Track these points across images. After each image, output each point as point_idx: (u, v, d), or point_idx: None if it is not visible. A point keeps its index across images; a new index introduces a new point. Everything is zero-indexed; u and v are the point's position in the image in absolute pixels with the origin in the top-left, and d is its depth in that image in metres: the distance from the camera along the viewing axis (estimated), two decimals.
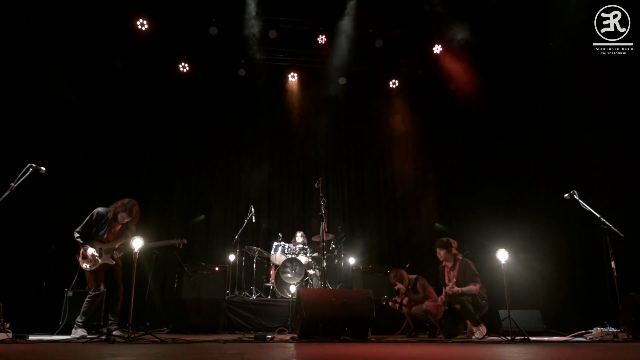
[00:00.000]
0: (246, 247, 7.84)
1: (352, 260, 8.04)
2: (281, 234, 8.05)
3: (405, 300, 5.85)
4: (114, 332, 4.80)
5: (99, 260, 5.18)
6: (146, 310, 7.25)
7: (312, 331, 4.66)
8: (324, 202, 5.82)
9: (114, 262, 5.28)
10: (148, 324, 6.67)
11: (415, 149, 9.82)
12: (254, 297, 7.24)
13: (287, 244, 7.83)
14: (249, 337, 5.00)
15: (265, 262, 8.01)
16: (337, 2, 8.45)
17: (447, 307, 5.47)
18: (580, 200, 5.56)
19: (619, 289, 5.13)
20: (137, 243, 4.61)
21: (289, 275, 7.41)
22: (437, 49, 9.07)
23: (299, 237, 8.06)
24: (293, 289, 6.80)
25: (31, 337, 4.70)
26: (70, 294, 6.25)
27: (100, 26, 8.15)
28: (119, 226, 5.34)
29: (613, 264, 5.20)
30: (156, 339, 4.36)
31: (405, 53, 9.57)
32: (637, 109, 6.91)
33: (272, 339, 4.99)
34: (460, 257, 5.69)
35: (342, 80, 9.61)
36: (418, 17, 8.68)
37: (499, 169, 8.92)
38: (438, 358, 3.10)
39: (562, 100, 8.09)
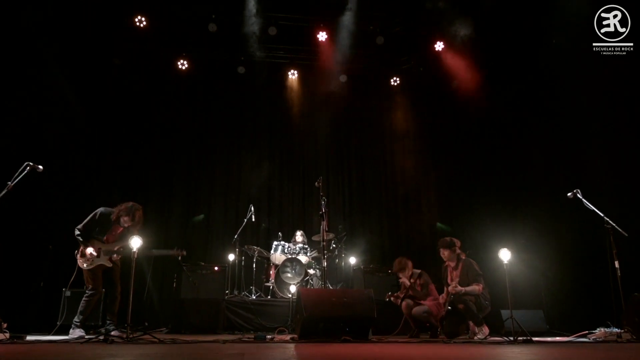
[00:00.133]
0: (246, 246, 7.84)
1: (352, 260, 8.05)
2: (281, 233, 8.05)
3: (404, 305, 5.84)
4: (112, 332, 4.80)
5: (97, 261, 5.19)
6: (145, 310, 7.26)
7: (313, 331, 4.66)
8: (324, 201, 5.82)
9: (111, 265, 5.28)
10: (147, 324, 6.68)
11: (417, 148, 9.82)
12: (254, 297, 7.24)
13: (287, 244, 7.83)
14: (248, 338, 5.01)
15: (265, 261, 8.02)
16: None
17: (449, 307, 5.47)
18: (583, 200, 5.55)
19: (622, 289, 5.13)
20: (136, 242, 4.61)
21: (289, 275, 7.42)
22: (439, 46, 9.05)
23: (299, 236, 8.06)
24: (293, 288, 6.80)
25: (29, 337, 4.70)
26: (68, 293, 6.25)
27: (98, 23, 8.14)
28: (120, 229, 5.34)
29: (617, 264, 5.20)
30: (155, 340, 4.36)
31: (406, 50, 9.55)
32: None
33: (272, 339, 4.99)
34: (464, 257, 5.70)
35: (342, 78, 9.60)
36: (419, 13, 8.66)
37: (502, 168, 8.92)
38: (440, 358, 3.11)
39: (565, 98, 8.08)
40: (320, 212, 5.75)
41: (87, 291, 5.21)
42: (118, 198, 7.68)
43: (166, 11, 8.45)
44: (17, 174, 4.67)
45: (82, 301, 5.19)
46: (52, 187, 7.45)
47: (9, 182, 4.59)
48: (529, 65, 8.56)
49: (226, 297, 6.87)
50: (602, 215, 5.40)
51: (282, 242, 7.82)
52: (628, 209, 6.27)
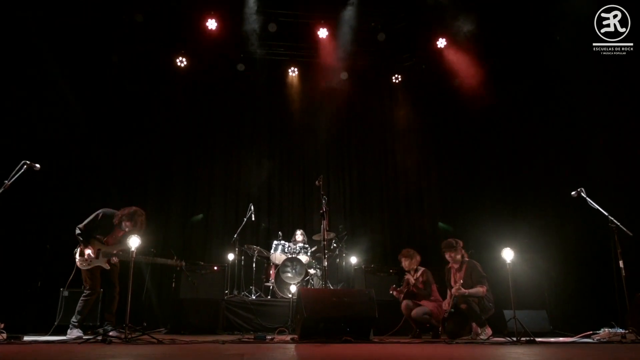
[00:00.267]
0: (245, 246, 7.84)
1: (353, 259, 8.05)
2: (281, 232, 8.05)
3: (403, 305, 5.85)
4: (111, 333, 4.81)
5: (95, 262, 5.19)
6: (143, 311, 7.26)
7: (313, 332, 4.66)
8: (325, 200, 5.81)
9: (109, 267, 5.28)
10: (145, 324, 6.68)
11: (419, 146, 9.80)
12: (254, 297, 7.25)
13: (287, 243, 7.83)
14: (248, 338, 5.01)
15: (265, 261, 8.02)
16: None
17: (452, 309, 5.47)
18: (587, 198, 5.55)
19: (627, 289, 5.13)
20: (134, 242, 4.61)
21: (289, 274, 7.42)
22: (441, 42, 9.03)
23: (299, 235, 8.06)
24: (293, 288, 6.80)
25: (26, 338, 4.71)
26: (65, 293, 6.26)
27: (95, 20, 8.13)
28: (122, 232, 5.34)
29: (621, 264, 5.20)
30: (153, 340, 4.36)
31: (408, 47, 9.52)
32: None
33: (272, 339, 5.00)
34: (467, 259, 5.70)
35: (343, 75, 9.59)
36: (421, 9, 8.64)
37: (504, 166, 8.92)
38: (442, 359, 3.11)
39: (570, 96, 8.08)
40: (321, 211, 5.75)
41: (84, 291, 5.22)
42: (116, 197, 7.75)
43: (164, 7, 8.43)
44: (14, 173, 4.68)
45: (79, 301, 5.20)
46: (49, 186, 7.46)
47: (6, 181, 4.60)
48: (533, 62, 8.56)
49: (226, 297, 6.88)
50: (606, 214, 5.40)
51: (282, 242, 7.82)
52: (633, 208, 6.27)
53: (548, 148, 8.39)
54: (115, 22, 8.34)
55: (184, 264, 5.86)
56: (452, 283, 5.67)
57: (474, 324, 5.46)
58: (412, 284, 5.83)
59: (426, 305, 5.71)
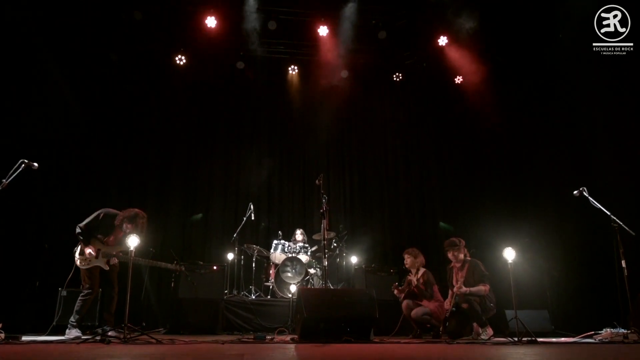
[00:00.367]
0: (245, 245, 7.84)
1: (354, 259, 8.06)
2: (281, 232, 8.05)
3: (404, 305, 5.86)
4: (109, 333, 4.81)
5: (94, 262, 5.19)
6: (142, 310, 7.27)
7: (313, 332, 4.66)
8: (325, 199, 5.81)
9: (108, 268, 5.28)
10: (144, 324, 6.69)
11: (420, 145, 9.80)
12: (253, 297, 7.25)
13: (287, 242, 7.83)
14: (248, 338, 5.01)
15: (265, 260, 8.02)
16: None
17: (454, 308, 5.47)
18: (590, 198, 5.54)
19: (629, 289, 5.13)
20: (133, 241, 4.62)
21: (289, 274, 7.42)
22: (443, 40, 9.02)
23: (299, 234, 8.06)
24: (293, 288, 6.81)
25: (24, 338, 4.71)
26: (64, 293, 6.26)
27: (94, 18, 8.13)
28: (122, 233, 5.33)
29: (623, 263, 5.20)
30: (152, 340, 4.37)
31: (409, 45, 9.51)
32: None
33: (272, 339, 5.00)
34: (470, 258, 5.70)
35: (344, 73, 9.58)
36: (422, 7, 8.63)
37: (506, 165, 8.92)
38: (443, 359, 3.11)
39: (572, 95, 8.08)
40: (321, 211, 5.74)
41: (83, 290, 5.21)
42: (115, 196, 7.76)
43: (163, 5, 8.42)
44: (11, 172, 4.67)
45: (78, 300, 5.20)
46: (47, 185, 7.46)
47: (4, 180, 4.59)
48: (534, 61, 8.55)
49: (225, 297, 6.88)
50: (608, 213, 5.39)
51: (282, 241, 7.82)
52: (635, 207, 6.27)
53: (549, 147, 8.39)
54: (114, 20, 8.33)
55: (183, 269, 5.86)
56: (454, 282, 5.67)
57: (475, 324, 5.46)
58: (414, 284, 5.84)
59: (427, 306, 5.71)
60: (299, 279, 7.40)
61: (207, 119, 9.37)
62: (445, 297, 5.84)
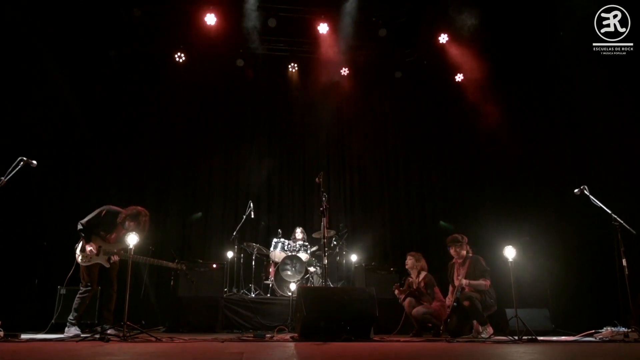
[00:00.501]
0: (245, 243, 7.85)
1: (354, 257, 8.06)
2: (281, 230, 8.05)
3: (406, 302, 5.87)
4: (109, 331, 4.81)
5: (95, 259, 5.19)
6: (142, 309, 7.28)
7: (313, 330, 4.67)
8: (325, 198, 5.81)
9: (109, 266, 5.28)
10: (144, 322, 6.69)
11: (420, 143, 9.80)
12: (253, 295, 7.26)
13: (287, 241, 7.84)
14: (247, 337, 5.02)
15: (265, 259, 8.03)
16: None
17: (455, 304, 5.48)
18: (590, 196, 5.55)
19: (630, 288, 5.14)
20: (132, 239, 4.62)
21: (289, 272, 7.43)
22: (443, 38, 9.01)
23: (299, 233, 8.06)
24: (293, 286, 6.81)
25: (23, 336, 4.71)
26: (63, 291, 6.26)
27: (93, 15, 8.12)
28: (124, 231, 5.32)
29: (624, 262, 5.21)
30: (152, 338, 4.38)
31: (410, 43, 9.50)
32: None
33: (271, 338, 5.00)
34: (471, 253, 5.72)
35: (344, 71, 9.57)
36: (423, 4, 8.62)
37: (507, 164, 8.92)
38: (444, 357, 3.11)
39: (573, 94, 8.08)
40: (321, 209, 5.75)
41: (81, 288, 5.21)
42: (115, 194, 7.76)
43: (162, 2, 8.40)
44: (10, 169, 4.67)
45: (76, 298, 5.20)
46: (46, 182, 7.46)
47: (2, 178, 4.59)
48: (536, 59, 8.55)
49: (225, 295, 6.88)
50: (609, 212, 5.40)
51: (282, 239, 7.82)
52: (636, 206, 6.27)
53: (550, 145, 8.40)
54: (113, 17, 8.31)
55: (184, 267, 5.86)
56: (455, 278, 5.68)
57: (475, 322, 5.47)
58: (415, 287, 5.86)
59: (429, 305, 5.73)
60: (299, 277, 7.40)
61: (207, 117, 9.35)
62: (445, 294, 5.86)
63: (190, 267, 6.78)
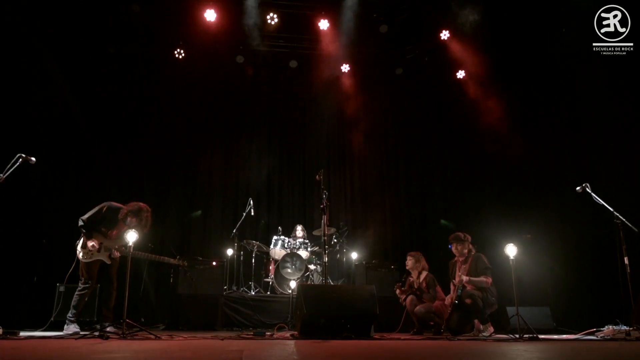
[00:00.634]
0: (245, 241, 7.85)
1: (354, 255, 8.06)
2: (281, 227, 8.05)
3: (408, 300, 5.87)
4: (108, 328, 4.81)
5: (96, 255, 5.19)
6: (141, 306, 7.29)
7: (313, 328, 4.67)
8: (325, 195, 5.81)
9: (110, 262, 5.28)
10: (143, 320, 6.71)
11: (421, 140, 9.79)
12: (253, 293, 7.26)
13: (287, 238, 7.83)
14: (247, 334, 5.02)
15: (265, 256, 8.03)
16: None
17: (456, 302, 5.48)
18: (592, 194, 5.54)
19: (632, 286, 5.14)
20: (131, 236, 4.61)
21: (289, 270, 7.43)
22: (445, 34, 8.98)
23: (299, 230, 8.06)
24: (293, 284, 6.81)
25: (22, 333, 4.71)
26: (62, 289, 6.26)
27: (92, 11, 8.09)
28: (125, 227, 5.31)
29: (626, 260, 5.20)
30: (151, 336, 4.38)
31: (411, 39, 9.47)
32: None
33: (271, 336, 5.00)
34: (474, 252, 5.72)
35: (344, 68, 9.55)
36: (425, 0, 8.59)
37: (508, 162, 8.90)
38: (444, 356, 3.11)
39: (575, 91, 8.07)
40: (321, 206, 5.74)
41: (79, 285, 5.20)
42: (114, 191, 7.75)
43: None
44: (9, 166, 4.65)
45: (74, 295, 5.18)
46: (45, 179, 7.45)
47: (1, 174, 4.58)
48: (538, 56, 8.53)
49: (224, 293, 6.89)
50: (611, 209, 5.39)
51: (282, 237, 7.82)
52: (638, 204, 6.26)
53: (552, 143, 8.38)
54: (112, 13, 8.29)
55: (186, 264, 5.86)
56: (456, 275, 5.68)
57: (476, 321, 5.48)
58: (417, 286, 5.86)
59: (431, 304, 5.73)
60: (299, 275, 7.41)
61: (207, 114, 9.34)
62: (447, 292, 5.86)
63: (190, 265, 6.78)
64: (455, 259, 5.84)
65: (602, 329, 5.34)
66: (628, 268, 5.17)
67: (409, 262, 6.06)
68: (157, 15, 8.55)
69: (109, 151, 8.41)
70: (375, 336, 4.97)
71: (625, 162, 7.13)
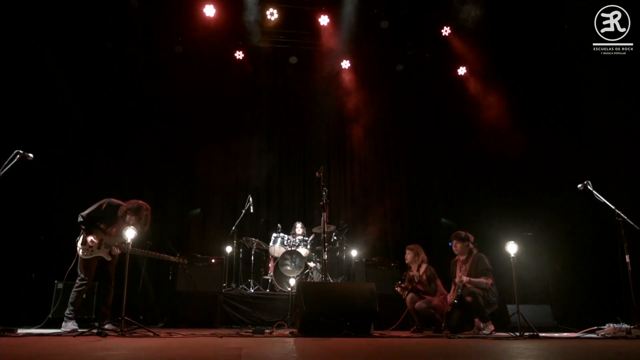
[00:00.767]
0: (244, 238, 7.85)
1: (354, 253, 8.07)
2: (280, 225, 8.05)
3: (408, 298, 5.88)
4: (106, 326, 4.82)
5: (96, 252, 5.18)
6: (140, 304, 7.28)
7: (313, 326, 4.68)
8: (325, 192, 5.81)
9: (110, 259, 5.28)
10: (142, 317, 6.71)
11: (422, 137, 9.77)
12: (252, 291, 7.27)
13: (286, 236, 7.84)
14: (246, 332, 5.02)
15: (264, 254, 8.03)
16: None
17: (456, 301, 5.48)
18: (594, 191, 5.53)
19: (633, 284, 5.14)
20: (130, 233, 4.61)
21: (288, 267, 7.44)
22: (446, 31, 8.96)
23: (299, 227, 8.06)
24: (293, 282, 6.82)
25: (20, 331, 4.72)
26: (60, 286, 6.26)
27: (90, 6, 8.07)
28: (125, 225, 5.31)
29: (627, 258, 5.21)
30: (150, 333, 4.38)
31: (412, 35, 9.45)
32: None
33: (270, 333, 5.01)
34: (475, 252, 5.72)
35: (345, 64, 9.53)
36: None
37: (510, 159, 8.89)
38: (444, 353, 3.11)
39: (577, 88, 8.06)
40: (321, 203, 5.74)
41: (77, 281, 5.20)
42: (112, 187, 7.74)
43: None
44: (6, 162, 4.65)
45: (72, 292, 5.19)
46: (43, 176, 7.44)
47: None
48: (540, 52, 8.51)
49: (223, 291, 6.89)
50: (613, 207, 5.39)
51: (282, 234, 7.82)
52: None
53: (554, 140, 8.37)
54: (110, 8, 8.26)
55: (186, 262, 5.86)
56: (457, 274, 5.68)
57: (476, 319, 5.48)
58: (417, 280, 5.86)
59: (431, 299, 5.73)
60: (299, 272, 7.41)
61: (206, 110, 9.31)
62: (447, 289, 5.86)
63: (189, 262, 6.78)
64: (456, 257, 5.84)
65: (603, 327, 5.35)
66: (629, 266, 5.18)
67: (408, 255, 6.06)
68: (156, 11, 8.53)
69: (108, 148, 8.40)
70: (375, 334, 4.98)
71: (626, 160, 7.12)
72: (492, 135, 8.99)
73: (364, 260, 7.56)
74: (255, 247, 7.84)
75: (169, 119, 9.04)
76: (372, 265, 7.41)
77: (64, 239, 5.42)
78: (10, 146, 4.84)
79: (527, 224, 7.84)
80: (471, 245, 5.74)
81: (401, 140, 9.84)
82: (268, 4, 8.50)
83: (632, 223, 5.26)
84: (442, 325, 5.67)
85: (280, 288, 7.32)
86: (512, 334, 4.80)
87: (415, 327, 5.84)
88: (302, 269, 7.46)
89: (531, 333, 4.75)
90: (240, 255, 7.81)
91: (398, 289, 5.98)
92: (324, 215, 5.74)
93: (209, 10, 8.36)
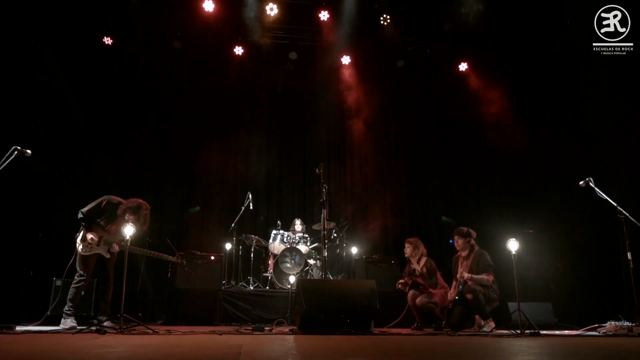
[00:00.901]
0: (243, 235, 7.85)
1: (354, 250, 8.07)
2: (280, 222, 8.05)
3: (410, 295, 5.88)
4: (105, 323, 4.82)
5: (95, 249, 5.18)
6: (139, 301, 7.30)
7: (312, 323, 4.68)
8: (325, 189, 5.80)
9: (109, 256, 5.28)
10: (141, 314, 6.72)
11: (422, 134, 9.76)
12: (252, 288, 7.27)
13: (286, 233, 7.84)
14: (246, 329, 5.03)
15: (264, 251, 8.04)
16: None
17: (457, 297, 5.48)
18: (596, 188, 5.53)
19: (634, 282, 5.14)
20: (129, 230, 4.61)
21: (288, 265, 7.44)
22: (447, 27, 8.92)
23: (298, 224, 8.06)
24: (292, 279, 6.82)
25: (18, 328, 4.72)
26: (58, 283, 6.27)
27: (89, 3, 8.04)
28: (124, 222, 5.30)
29: (629, 255, 5.21)
30: (149, 331, 4.38)
31: (413, 30, 9.41)
32: None
33: (270, 331, 5.02)
34: (477, 248, 5.72)
35: (345, 60, 9.51)
36: None
37: (511, 156, 8.89)
38: (445, 351, 3.11)
39: (579, 86, 8.05)
40: (321, 200, 5.74)
41: (75, 277, 5.21)
42: (111, 185, 7.72)
43: None
44: (4, 159, 4.64)
45: (70, 289, 5.19)
46: (42, 173, 7.43)
47: None
48: (542, 48, 8.50)
49: (223, 288, 6.89)
50: (614, 204, 5.38)
51: (281, 231, 7.82)
52: None
53: (555, 137, 8.37)
54: (108, 3, 8.23)
55: (185, 262, 5.85)
56: (459, 270, 5.69)
57: (477, 317, 5.49)
58: (418, 273, 5.85)
59: (432, 295, 5.73)
60: (298, 269, 7.41)
61: (205, 106, 9.30)
62: (448, 283, 5.87)
63: (188, 259, 6.78)
64: (458, 254, 5.85)
65: (604, 324, 5.36)
66: (631, 263, 5.18)
67: (407, 249, 6.06)
68: (155, 7, 8.49)
69: (107, 145, 8.39)
70: (375, 331, 4.99)
71: (627, 158, 7.12)
72: (493, 132, 8.99)
73: (364, 257, 7.57)
74: (254, 244, 7.84)
75: (168, 115, 9.02)
76: (373, 262, 7.41)
77: (62, 236, 5.42)
78: (11, 144, 4.83)
79: (528, 221, 7.84)
80: (473, 242, 5.75)
81: (402, 137, 9.82)
82: None
83: (634, 220, 5.26)
84: (443, 322, 5.68)
85: (280, 285, 7.32)
86: (513, 331, 4.81)
87: (415, 325, 5.85)
88: (302, 266, 7.46)
89: (532, 331, 4.76)
90: (240, 253, 7.80)
91: (400, 285, 5.99)
92: (324, 212, 5.73)
93: (208, 5, 8.32)
